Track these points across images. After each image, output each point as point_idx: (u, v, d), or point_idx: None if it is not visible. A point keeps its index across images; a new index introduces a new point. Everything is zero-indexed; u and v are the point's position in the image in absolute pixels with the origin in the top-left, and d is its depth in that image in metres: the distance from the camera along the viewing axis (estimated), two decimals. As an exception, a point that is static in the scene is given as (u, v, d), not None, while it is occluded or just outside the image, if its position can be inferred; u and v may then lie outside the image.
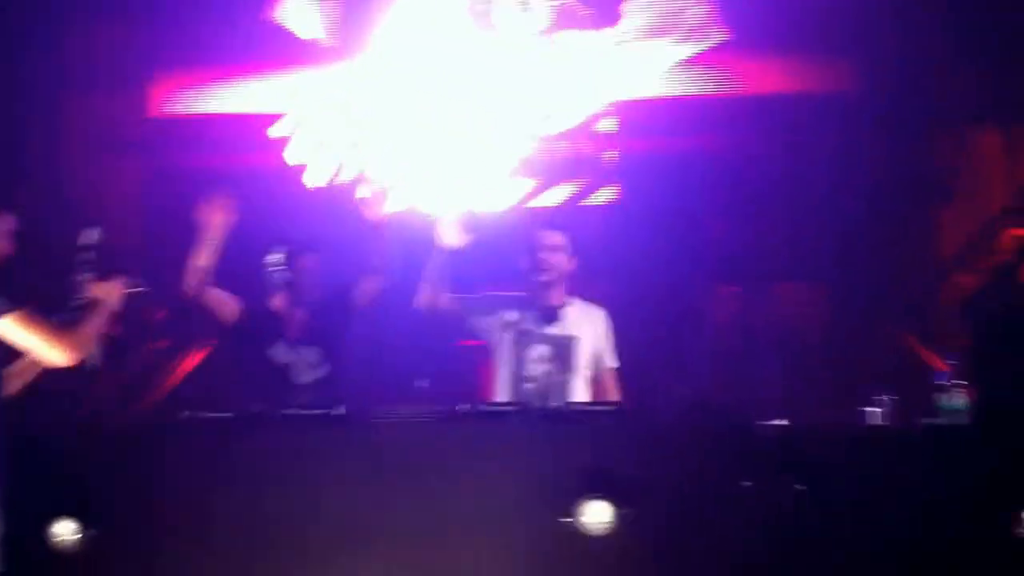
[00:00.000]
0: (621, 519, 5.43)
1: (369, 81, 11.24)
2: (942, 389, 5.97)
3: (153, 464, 5.85)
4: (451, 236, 6.94)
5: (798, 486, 5.42)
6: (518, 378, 7.11)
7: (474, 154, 11.13)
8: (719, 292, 10.98)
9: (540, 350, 7.15)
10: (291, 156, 11.02)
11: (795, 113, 10.72)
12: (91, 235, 5.95)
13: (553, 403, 6.74)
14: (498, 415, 6.14)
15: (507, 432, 5.90)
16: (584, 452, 5.68)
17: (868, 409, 6.18)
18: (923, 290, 10.54)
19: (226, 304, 7.59)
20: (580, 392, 7.09)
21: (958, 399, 5.94)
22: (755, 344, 10.72)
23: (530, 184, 11.08)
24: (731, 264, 10.81)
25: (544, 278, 7.15)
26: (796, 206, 10.72)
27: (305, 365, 7.55)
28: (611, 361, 7.28)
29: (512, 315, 7.19)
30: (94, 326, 5.70)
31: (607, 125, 11.11)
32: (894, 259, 10.68)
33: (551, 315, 7.18)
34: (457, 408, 6.06)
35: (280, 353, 7.59)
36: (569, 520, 5.45)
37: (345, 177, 10.99)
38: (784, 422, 6.06)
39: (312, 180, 11.00)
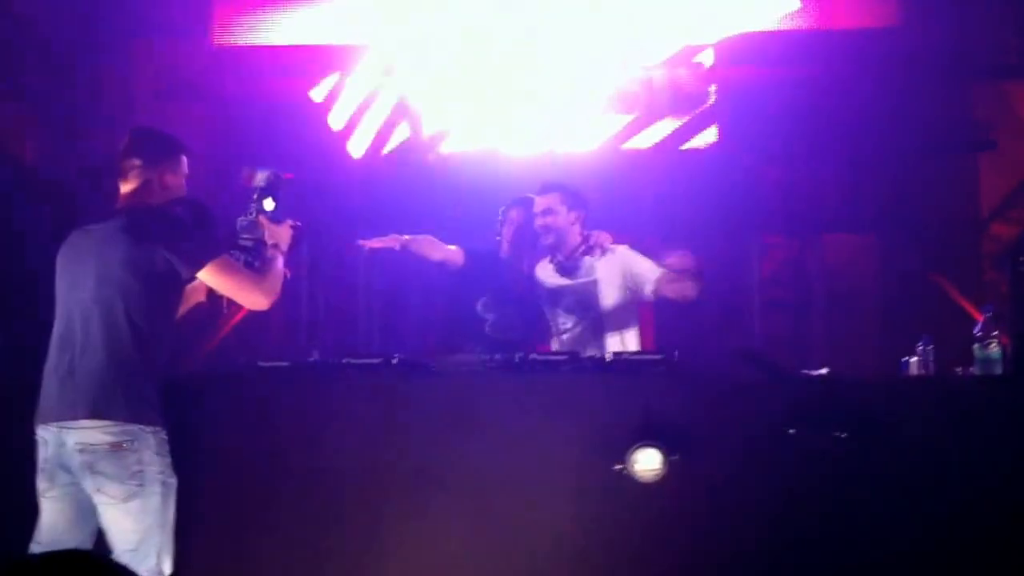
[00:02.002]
0: (670, 466, 5.57)
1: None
2: (978, 339, 6.04)
3: (213, 414, 5.98)
4: None
5: (839, 433, 5.55)
6: (555, 331, 7.41)
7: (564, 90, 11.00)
8: (767, 242, 11.06)
9: (566, 301, 7.38)
10: (335, 120, 11.02)
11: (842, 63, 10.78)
12: (262, 177, 5.86)
13: (587, 350, 6.97)
14: (552, 364, 6.26)
15: (560, 381, 6.03)
16: (635, 401, 5.78)
17: (908, 359, 6.33)
18: (965, 242, 10.62)
19: (452, 253, 7.62)
20: (611, 334, 7.29)
21: (994, 349, 6.02)
22: (803, 294, 10.82)
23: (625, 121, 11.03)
24: (781, 215, 10.89)
25: (546, 242, 7.39)
26: (845, 157, 10.76)
27: (507, 322, 7.57)
28: (654, 271, 7.33)
29: (540, 274, 7.49)
30: (281, 269, 5.68)
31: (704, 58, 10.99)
32: (938, 210, 10.75)
33: (569, 267, 7.40)
34: (507, 358, 6.22)
35: (489, 306, 7.64)
36: (621, 467, 5.59)
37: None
38: (825, 371, 6.22)
39: (358, 145, 11.00)
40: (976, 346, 6.05)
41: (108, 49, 10.88)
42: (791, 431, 5.56)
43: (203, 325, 9.63)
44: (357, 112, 10.91)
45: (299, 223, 5.93)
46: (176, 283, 5.39)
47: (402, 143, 10.94)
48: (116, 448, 5.14)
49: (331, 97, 10.95)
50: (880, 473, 5.65)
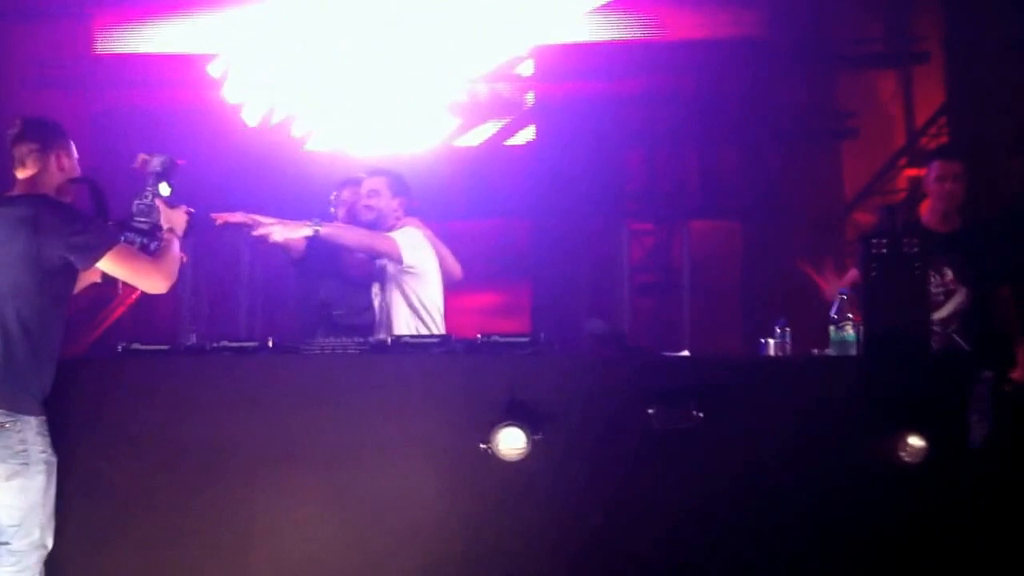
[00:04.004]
0: (533, 444, 5.54)
1: (297, 20, 11.31)
2: (834, 322, 6.11)
3: (92, 395, 5.86)
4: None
5: (696, 413, 5.57)
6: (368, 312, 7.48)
7: (401, 94, 11.22)
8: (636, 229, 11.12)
9: (374, 285, 7.47)
10: (229, 95, 11.09)
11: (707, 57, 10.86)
12: (158, 161, 5.79)
13: (388, 330, 7.12)
14: (423, 346, 6.23)
15: (429, 363, 5.98)
16: (501, 381, 5.77)
17: (766, 340, 6.36)
18: (827, 228, 10.73)
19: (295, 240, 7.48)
20: (404, 317, 7.32)
21: (848, 331, 6.08)
22: (670, 279, 10.90)
23: (455, 123, 11.16)
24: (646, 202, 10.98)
25: (366, 218, 7.44)
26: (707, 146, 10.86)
27: (353, 306, 7.58)
28: (455, 264, 7.63)
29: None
30: (177, 253, 5.67)
31: (525, 68, 11.21)
32: (802, 197, 10.86)
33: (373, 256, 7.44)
34: (380, 340, 6.23)
35: (329, 291, 7.65)
36: (486, 446, 5.57)
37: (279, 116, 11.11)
38: (686, 353, 6.25)
39: (249, 119, 11.08)
40: (832, 328, 6.11)
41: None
42: (651, 411, 5.56)
43: (91, 309, 9.52)
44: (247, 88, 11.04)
45: (192, 209, 5.92)
46: (70, 278, 5.41)
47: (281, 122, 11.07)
48: (0, 429, 5.17)
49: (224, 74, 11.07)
50: (737, 451, 5.68)
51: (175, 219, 5.77)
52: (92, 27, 11.20)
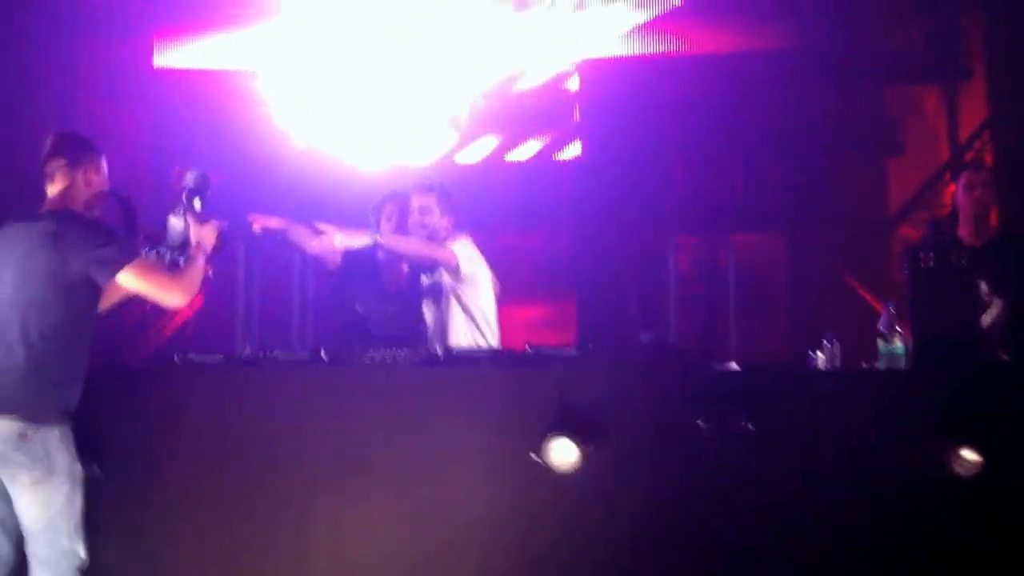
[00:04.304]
0: (584, 455, 5.56)
1: (341, 37, 11.37)
2: (881, 334, 6.10)
3: (152, 404, 5.92)
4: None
5: (746, 425, 5.56)
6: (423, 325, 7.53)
7: (450, 109, 11.26)
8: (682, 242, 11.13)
9: (427, 299, 7.52)
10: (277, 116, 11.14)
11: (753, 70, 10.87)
12: (191, 177, 5.83)
13: (443, 342, 7.17)
14: (474, 359, 6.27)
15: (481, 374, 6.01)
16: (552, 392, 5.76)
17: (815, 353, 6.34)
18: (873, 242, 10.70)
19: (332, 251, 7.51)
20: (461, 327, 7.38)
21: (897, 344, 6.07)
22: (716, 291, 10.89)
23: (500, 139, 11.19)
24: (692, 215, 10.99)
25: (420, 235, 7.43)
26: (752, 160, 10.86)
27: (389, 319, 7.55)
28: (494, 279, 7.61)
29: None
30: (201, 268, 5.65)
31: (572, 83, 11.25)
32: (847, 211, 10.84)
33: (429, 266, 7.51)
34: (432, 352, 6.25)
35: (365, 304, 7.62)
36: (537, 456, 5.58)
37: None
38: (735, 366, 6.23)
39: (297, 139, 11.13)
40: (880, 341, 6.08)
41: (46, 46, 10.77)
42: (701, 423, 5.55)
43: (146, 318, 9.57)
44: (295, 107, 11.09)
45: (225, 223, 5.90)
46: (94, 292, 5.42)
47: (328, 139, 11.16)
48: (23, 438, 5.18)
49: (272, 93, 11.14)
50: (786, 463, 5.68)
51: (204, 234, 5.76)
52: (150, 41, 11.26)
